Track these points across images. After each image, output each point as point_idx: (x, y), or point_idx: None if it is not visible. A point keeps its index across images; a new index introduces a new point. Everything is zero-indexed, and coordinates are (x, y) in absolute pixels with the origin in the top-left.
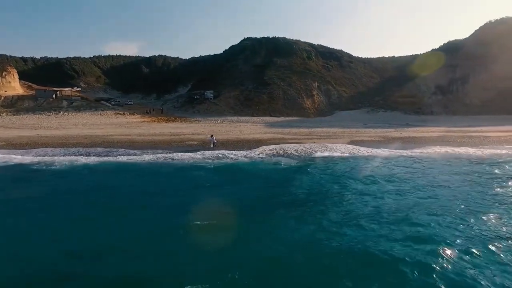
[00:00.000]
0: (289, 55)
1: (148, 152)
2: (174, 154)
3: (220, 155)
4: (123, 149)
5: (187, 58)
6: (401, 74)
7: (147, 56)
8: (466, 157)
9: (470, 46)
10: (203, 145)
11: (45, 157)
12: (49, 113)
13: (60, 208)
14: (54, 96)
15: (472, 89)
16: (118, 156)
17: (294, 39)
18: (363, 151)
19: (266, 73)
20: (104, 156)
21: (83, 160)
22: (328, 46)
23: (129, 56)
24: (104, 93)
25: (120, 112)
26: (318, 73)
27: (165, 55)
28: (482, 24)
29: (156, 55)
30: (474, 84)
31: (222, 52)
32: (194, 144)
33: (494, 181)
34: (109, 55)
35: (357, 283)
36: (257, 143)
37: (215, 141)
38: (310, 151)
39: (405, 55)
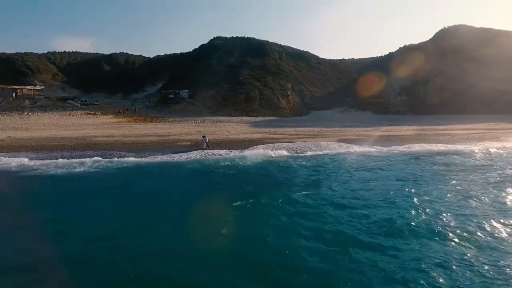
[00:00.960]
0: (262, 55)
1: (150, 155)
2: (178, 155)
3: (226, 155)
4: (118, 151)
5: (152, 57)
6: (366, 75)
7: (107, 53)
8: (452, 153)
9: (427, 51)
10: (197, 146)
11: (46, 160)
12: (11, 114)
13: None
14: (14, 95)
15: (432, 90)
16: (124, 158)
17: (262, 39)
18: (356, 148)
19: (241, 73)
20: (108, 158)
21: (103, 163)
22: (296, 47)
23: (87, 53)
24: (63, 92)
25: (91, 112)
26: (290, 74)
27: (127, 53)
28: (437, 30)
29: (117, 52)
30: (433, 86)
31: (191, 51)
32: (187, 144)
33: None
34: (64, 51)
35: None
36: (250, 143)
37: (207, 141)
38: (309, 149)
39: (365, 57)
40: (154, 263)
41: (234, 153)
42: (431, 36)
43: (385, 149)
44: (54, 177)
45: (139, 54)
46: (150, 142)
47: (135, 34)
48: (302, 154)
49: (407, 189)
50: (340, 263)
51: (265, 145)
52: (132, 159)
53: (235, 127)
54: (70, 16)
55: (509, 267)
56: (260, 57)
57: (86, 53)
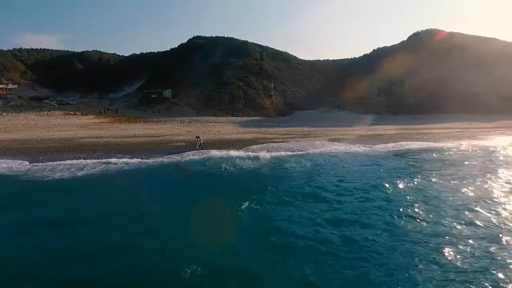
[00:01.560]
0: (244, 55)
1: (148, 157)
2: (179, 156)
3: (228, 156)
4: (114, 153)
5: (128, 55)
6: (345, 76)
7: (78, 51)
8: (439, 150)
9: (401, 53)
10: (191, 146)
11: (40, 164)
12: None
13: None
14: None
15: (408, 91)
16: (122, 159)
17: (241, 39)
18: (351, 147)
19: (224, 73)
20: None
21: (104, 166)
22: (275, 48)
23: (57, 50)
24: (33, 91)
25: (71, 112)
26: (273, 74)
27: (100, 51)
28: (411, 33)
29: (90, 50)
30: (409, 87)
31: (169, 50)
32: (182, 145)
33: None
34: (32, 48)
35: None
36: (245, 143)
37: (201, 142)
38: (306, 148)
39: (339, 58)
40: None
41: (236, 153)
42: (404, 39)
43: (377, 147)
44: (60, 182)
45: (113, 52)
46: (143, 143)
47: (106, 32)
48: (301, 153)
49: (411, 179)
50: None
51: (260, 145)
52: (134, 160)
53: (224, 127)
54: (31, 10)
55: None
56: (242, 57)
57: (56, 50)
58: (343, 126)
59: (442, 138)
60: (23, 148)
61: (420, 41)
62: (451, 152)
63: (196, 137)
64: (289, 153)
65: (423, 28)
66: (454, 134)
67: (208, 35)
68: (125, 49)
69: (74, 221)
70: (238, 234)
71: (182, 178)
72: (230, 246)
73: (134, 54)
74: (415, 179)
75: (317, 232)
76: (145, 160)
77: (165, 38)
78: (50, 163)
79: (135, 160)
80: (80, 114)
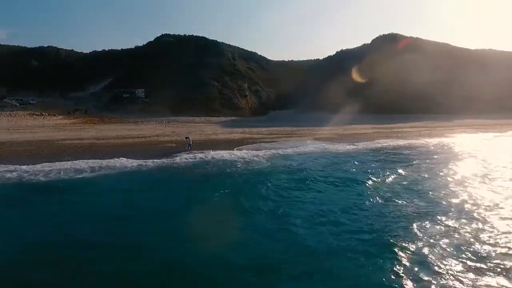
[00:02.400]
0: (217, 55)
1: (151, 158)
2: (178, 157)
3: (228, 156)
4: (110, 154)
5: (88, 52)
6: (312, 77)
7: (31, 46)
8: (417, 146)
9: (367, 55)
10: (182, 147)
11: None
12: None
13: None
14: None
15: (376, 92)
16: (119, 160)
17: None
18: (337, 146)
19: (198, 73)
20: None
21: (101, 169)
22: (245, 48)
23: (6, 45)
24: None
25: (36, 113)
26: (246, 74)
27: (56, 47)
28: (374, 37)
29: (45, 46)
30: (377, 88)
31: (134, 47)
32: (173, 146)
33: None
34: None
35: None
36: (234, 143)
37: (190, 143)
38: (298, 147)
39: (304, 59)
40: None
41: (239, 153)
42: (367, 42)
43: (360, 145)
44: (57, 186)
45: (71, 49)
46: (132, 144)
47: (59, 26)
48: (297, 151)
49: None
50: None
51: (252, 145)
52: (133, 162)
53: (206, 127)
54: None
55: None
56: (215, 57)
57: (6, 45)
58: (322, 126)
59: (416, 136)
60: (3, 152)
61: (383, 45)
62: (432, 147)
63: (186, 138)
64: (289, 151)
65: (386, 32)
66: (425, 133)
67: (171, 33)
68: (83, 46)
69: (104, 221)
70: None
71: (193, 179)
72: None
73: (95, 51)
74: (415, 170)
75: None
76: (145, 162)
77: (125, 35)
78: (45, 166)
79: (135, 162)
80: (47, 114)
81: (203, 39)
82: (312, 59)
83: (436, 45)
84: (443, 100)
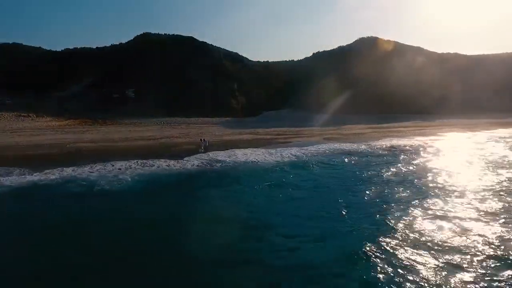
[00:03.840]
0: (205, 55)
1: (182, 159)
2: (214, 161)
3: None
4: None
5: (60, 50)
6: (294, 77)
7: None
8: (421, 145)
9: (348, 57)
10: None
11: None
12: None
13: None
14: None
15: (360, 93)
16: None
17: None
18: (353, 145)
19: (188, 73)
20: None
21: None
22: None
23: None
24: None
25: (23, 114)
26: (235, 75)
27: (21, 43)
28: (356, 39)
29: (10, 42)
30: (361, 89)
31: (116, 45)
32: (192, 148)
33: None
34: None
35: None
36: (254, 143)
37: (207, 144)
38: (323, 147)
39: (281, 60)
40: None
41: (296, 153)
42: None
43: (372, 144)
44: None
45: (38, 46)
46: (150, 146)
47: (21, 23)
48: (328, 151)
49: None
50: None
51: (272, 145)
52: (171, 163)
53: (210, 128)
54: None
55: None
56: (204, 57)
57: None
58: (322, 126)
59: (413, 135)
60: (23, 156)
61: (364, 46)
62: (438, 145)
63: (201, 139)
64: (320, 150)
65: (368, 36)
66: (419, 132)
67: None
68: (51, 43)
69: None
70: None
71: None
72: None
73: (67, 48)
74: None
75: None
76: (180, 163)
77: (99, 33)
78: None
79: (171, 163)
80: (35, 116)
81: (191, 38)
82: (289, 60)
83: (411, 49)
84: (421, 101)
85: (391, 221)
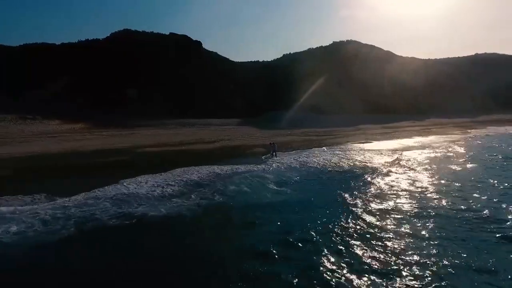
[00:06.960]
0: (199, 55)
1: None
2: (314, 167)
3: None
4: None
5: (18, 45)
6: (283, 78)
7: None
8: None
9: (323, 58)
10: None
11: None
12: None
13: None
14: None
15: (347, 93)
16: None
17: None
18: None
19: (187, 73)
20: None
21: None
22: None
23: None
24: None
25: (29, 116)
26: (230, 74)
27: None
28: (331, 42)
29: None
30: (348, 90)
31: (81, 40)
32: (262, 151)
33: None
34: None
35: None
36: (306, 144)
37: (276, 148)
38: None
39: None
40: None
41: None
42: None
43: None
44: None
45: None
46: (210, 151)
47: None
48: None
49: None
50: None
51: (328, 146)
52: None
53: (238, 131)
54: None
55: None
56: (195, 57)
57: None
58: (339, 126)
59: (415, 134)
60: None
61: (339, 49)
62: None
63: (270, 143)
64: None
65: (344, 39)
66: (424, 131)
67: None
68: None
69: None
70: None
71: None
72: None
73: (26, 43)
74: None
75: None
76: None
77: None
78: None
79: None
80: (41, 118)
81: (185, 37)
82: (258, 60)
83: (380, 51)
84: (395, 103)
85: None
